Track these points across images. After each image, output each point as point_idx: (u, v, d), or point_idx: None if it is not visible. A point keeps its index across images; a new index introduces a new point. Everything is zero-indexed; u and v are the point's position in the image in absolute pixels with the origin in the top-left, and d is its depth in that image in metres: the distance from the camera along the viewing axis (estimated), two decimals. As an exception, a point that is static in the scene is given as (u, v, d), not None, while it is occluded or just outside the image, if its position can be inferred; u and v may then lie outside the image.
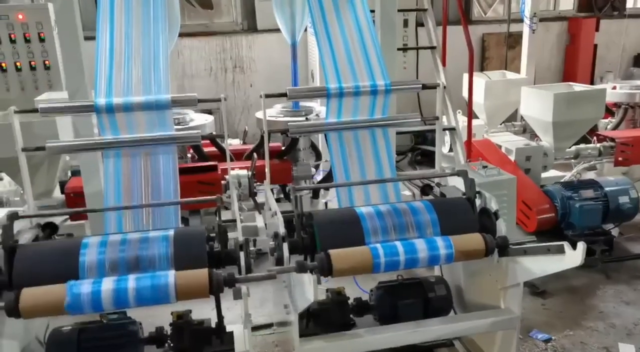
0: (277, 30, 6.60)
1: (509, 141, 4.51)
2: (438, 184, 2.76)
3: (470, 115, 4.00)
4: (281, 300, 2.45)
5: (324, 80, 2.69)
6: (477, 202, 2.44)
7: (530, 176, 4.23)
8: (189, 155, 4.49)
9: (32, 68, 5.65)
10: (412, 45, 6.37)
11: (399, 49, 5.89)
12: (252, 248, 2.18)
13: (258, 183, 4.10)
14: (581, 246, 1.82)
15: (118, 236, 2.11)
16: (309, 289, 1.82)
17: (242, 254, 2.07)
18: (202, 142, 4.24)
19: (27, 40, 5.58)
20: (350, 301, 2.63)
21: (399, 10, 6.10)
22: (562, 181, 4.38)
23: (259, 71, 6.98)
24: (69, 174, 4.35)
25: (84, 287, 1.85)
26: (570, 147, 4.57)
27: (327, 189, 4.14)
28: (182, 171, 3.80)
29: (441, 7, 4.90)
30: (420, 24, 6.63)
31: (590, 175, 4.69)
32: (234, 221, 2.33)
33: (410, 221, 2.27)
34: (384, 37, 3.42)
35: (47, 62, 5.67)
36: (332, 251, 2.09)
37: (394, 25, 3.42)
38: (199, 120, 4.32)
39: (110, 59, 2.52)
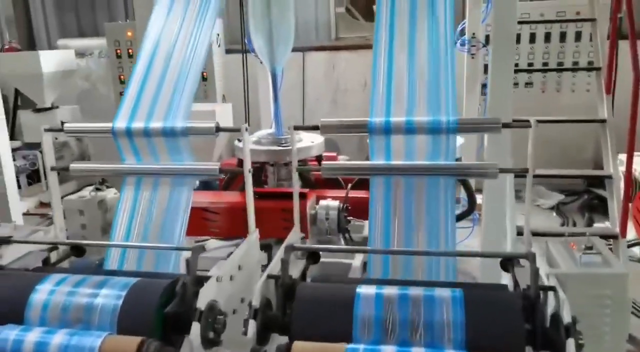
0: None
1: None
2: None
3: (630, 161, 2.96)
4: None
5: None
6: (553, 302, 1.67)
7: None
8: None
9: (192, 79, 5.99)
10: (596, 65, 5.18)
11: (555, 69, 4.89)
12: (220, 316, 1.79)
13: (353, 219, 3.65)
14: None
15: (78, 277, 1.89)
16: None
17: (195, 325, 1.69)
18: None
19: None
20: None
21: (566, 21, 5.07)
22: None
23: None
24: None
25: (9, 334, 1.67)
26: None
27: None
28: (267, 196, 3.61)
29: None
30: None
31: None
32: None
33: (419, 317, 1.62)
34: (495, 55, 2.70)
35: (204, 73, 5.96)
36: (296, 345, 1.58)
37: (512, 42, 2.68)
38: (306, 141, 4.02)
39: (143, 82, 2.35)
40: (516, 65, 5.41)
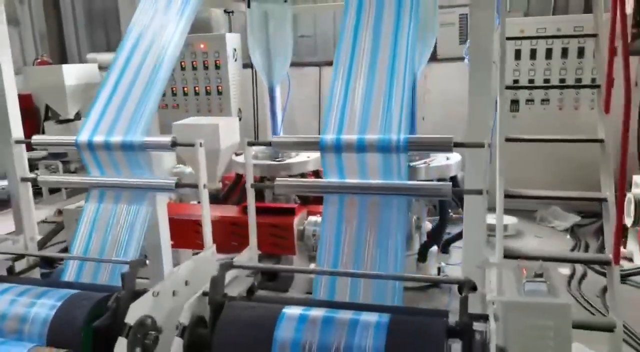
0: (459, 59, 5.94)
1: None
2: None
3: (623, 184, 2.80)
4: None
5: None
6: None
7: None
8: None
9: (208, 93, 6.10)
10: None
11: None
12: (152, 332, 1.78)
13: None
14: None
15: (23, 287, 1.93)
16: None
17: (121, 340, 1.68)
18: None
19: (205, 68, 6.05)
20: None
21: (566, 36, 4.89)
22: None
23: (433, 103, 6.31)
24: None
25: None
26: None
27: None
28: (258, 211, 3.61)
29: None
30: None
31: None
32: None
33: (340, 342, 1.57)
34: (473, 74, 2.61)
35: (220, 87, 6.05)
36: (211, 364, 1.56)
37: (489, 60, 2.58)
38: (302, 156, 4.01)
39: (112, 94, 2.39)
40: (531, 81, 5.27)
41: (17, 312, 1.82)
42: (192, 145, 2.16)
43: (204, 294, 1.85)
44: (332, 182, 2.08)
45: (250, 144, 2.16)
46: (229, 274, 2.08)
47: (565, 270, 4.08)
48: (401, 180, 2.02)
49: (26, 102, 7.03)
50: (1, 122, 3.02)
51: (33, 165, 5.73)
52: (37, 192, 6.11)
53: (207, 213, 2.25)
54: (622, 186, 2.84)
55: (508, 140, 3.40)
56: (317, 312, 1.67)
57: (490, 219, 4.56)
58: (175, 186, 2.22)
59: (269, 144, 2.15)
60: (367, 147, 2.00)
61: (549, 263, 1.92)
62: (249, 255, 2.26)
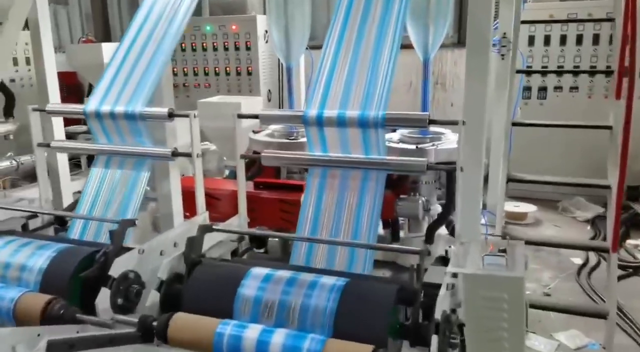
0: (490, 45, 5.88)
1: None
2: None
3: (624, 172, 2.76)
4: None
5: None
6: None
7: None
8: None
9: (238, 73, 6.25)
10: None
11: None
12: (136, 285, 1.93)
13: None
14: None
15: (25, 240, 2.12)
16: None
17: (103, 290, 1.84)
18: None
19: (236, 48, 6.20)
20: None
21: (582, 21, 4.74)
22: None
23: (462, 90, 6.24)
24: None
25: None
26: None
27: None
28: (266, 186, 3.73)
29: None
30: None
31: None
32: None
33: (297, 301, 1.66)
34: (469, 61, 2.62)
35: (250, 68, 6.19)
36: (177, 315, 1.68)
37: (488, 45, 2.57)
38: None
39: (119, 68, 2.55)
40: (561, 67, 5.15)
41: (18, 261, 2.00)
42: (187, 116, 2.28)
43: (184, 253, 1.98)
44: (315, 156, 2.16)
45: (240, 116, 2.27)
46: (214, 239, 2.22)
47: (577, 259, 4.04)
48: (380, 154, 2.09)
49: (71, 79, 7.40)
50: (42, 95, 3.24)
51: (72, 137, 6.10)
52: (77, 165, 6.47)
53: (200, 181, 2.38)
54: (623, 173, 2.80)
55: (515, 124, 3.40)
56: (282, 273, 1.78)
57: (509, 206, 4.54)
58: (171, 155, 2.36)
59: (256, 117, 2.25)
60: (348, 122, 2.08)
61: (517, 241, 1.95)
62: (238, 222, 2.38)
